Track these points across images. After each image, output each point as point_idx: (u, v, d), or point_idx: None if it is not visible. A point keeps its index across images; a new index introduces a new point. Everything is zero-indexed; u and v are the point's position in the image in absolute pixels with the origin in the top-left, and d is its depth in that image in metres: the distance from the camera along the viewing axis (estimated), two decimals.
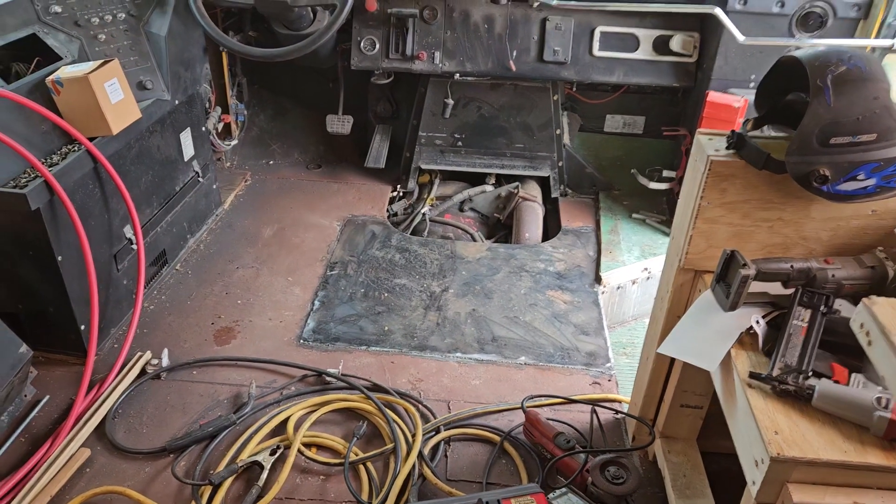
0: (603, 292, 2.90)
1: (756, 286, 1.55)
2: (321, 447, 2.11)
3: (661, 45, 3.20)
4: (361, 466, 2.03)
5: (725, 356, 1.52)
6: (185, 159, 2.96)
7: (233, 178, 3.62)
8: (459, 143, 3.59)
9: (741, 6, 2.95)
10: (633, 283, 3.02)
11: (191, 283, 2.83)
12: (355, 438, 2.10)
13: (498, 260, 3.05)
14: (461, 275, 2.94)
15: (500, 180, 3.67)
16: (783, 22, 2.98)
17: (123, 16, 2.57)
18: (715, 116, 2.86)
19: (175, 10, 2.72)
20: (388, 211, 3.51)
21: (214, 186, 3.27)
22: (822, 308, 1.48)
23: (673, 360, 1.89)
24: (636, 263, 3.04)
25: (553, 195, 3.60)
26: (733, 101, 2.86)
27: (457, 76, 3.35)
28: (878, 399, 1.29)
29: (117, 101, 2.29)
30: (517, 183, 3.60)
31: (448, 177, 3.74)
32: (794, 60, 1.52)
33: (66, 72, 2.23)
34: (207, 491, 1.93)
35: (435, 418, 2.21)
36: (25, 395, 2.20)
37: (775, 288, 1.59)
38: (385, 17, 3.22)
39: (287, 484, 1.97)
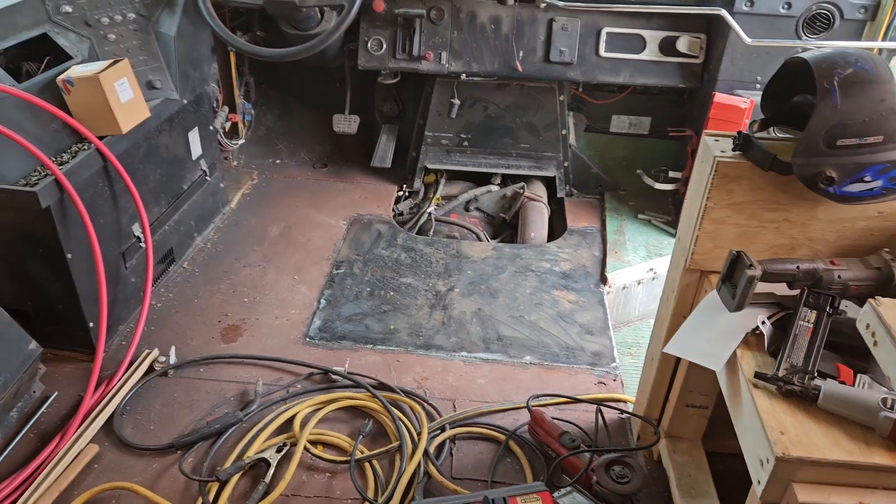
0: (608, 292, 2.91)
1: (762, 287, 1.55)
2: (327, 445, 2.12)
3: (667, 46, 3.21)
4: (367, 464, 2.05)
5: (731, 356, 1.52)
6: (193, 158, 2.98)
7: (240, 176, 3.64)
8: (465, 143, 3.60)
9: (748, 8, 2.95)
10: (639, 283, 3.03)
11: (198, 282, 2.85)
12: (361, 436, 2.11)
13: (503, 259, 3.06)
14: (467, 274, 2.95)
15: (506, 180, 3.68)
16: (790, 23, 2.98)
17: (133, 16, 2.59)
18: (721, 117, 2.87)
19: (184, 10, 2.73)
20: (393, 210, 3.52)
21: (221, 185, 3.29)
22: (827, 309, 1.49)
23: (678, 360, 1.90)
24: (642, 264, 3.04)
25: (559, 195, 3.61)
26: (739, 102, 2.87)
27: (463, 76, 3.35)
28: (884, 400, 1.29)
29: (127, 100, 2.30)
30: (523, 183, 3.61)
31: (454, 176, 3.75)
32: (800, 62, 1.52)
33: (76, 71, 2.25)
34: (214, 487, 1.94)
35: (440, 417, 2.22)
36: (34, 392, 2.21)
37: (781, 289, 1.60)
38: (392, 17, 3.23)
39: (293, 481, 1.98)
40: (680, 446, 1.99)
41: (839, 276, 1.54)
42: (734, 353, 1.52)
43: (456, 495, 1.84)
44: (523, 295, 2.83)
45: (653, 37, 3.20)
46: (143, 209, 2.44)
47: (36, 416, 2.15)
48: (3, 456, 2.01)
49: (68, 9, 2.44)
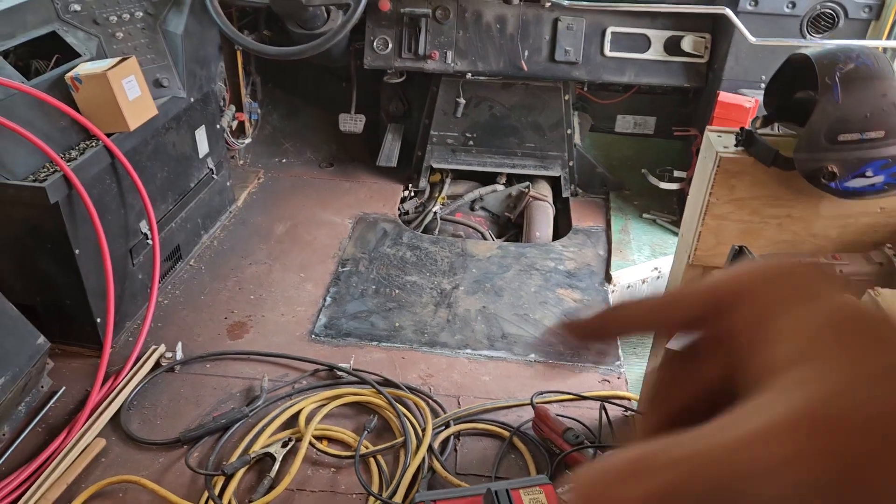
0: (613, 291, 2.92)
1: None
2: (332, 440, 2.14)
3: (672, 46, 3.21)
4: (372, 459, 2.06)
5: None
6: (200, 156, 3.00)
7: (246, 175, 3.66)
8: (471, 143, 3.61)
9: (752, 7, 2.96)
10: (643, 282, 3.03)
11: (204, 279, 2.87)
12: (366, 432, 2.13)
13: (508, 258, 3.07)
14: (471, 272, 2.96)
15: (511, 179, 3.69)
16: (794, 23, 2.99)
17: (141, 14, 2.61)
18: (726, 117, 2.87)
19: (191, 8, 2.75)
20: (399, 209, 3.54)
21: (228, 184, 3.31)
22: None
23: None
24: (646, 263, 3.05)
25: (564, 195, 3.61)
26: (744, 101, 2.87)
27: (469, 76, 3.37)
28: None
29: (134, 97, 2.33)
30: (528, 182, 3.62)
31: (459, 176, 3.76)
32: (803, 58, 1.53)
33: (84, 69, 2.27)
34: (220, 481, 1.96)
35: (445, 413, 2.23)
36: (42, 387, 2.24)
37: None
38: (398, 16, 3.25)
39: (298, 475, 1.99)
40: None
41: (841, 271, 1.55)
42: None
43: (460, 488, 1.85)
44: (528, 293, 2.84)
45: (657, 36, 3.21)
46: (151, 206, 2.47)
47: (44, 411, 2.17)
48: (11, 449, 2.03)
49: (77, 7, 2.46)
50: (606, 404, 2.26)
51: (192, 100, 2.80)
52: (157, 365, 2.38)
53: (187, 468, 2.00)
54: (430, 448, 2.07)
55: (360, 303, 2.75)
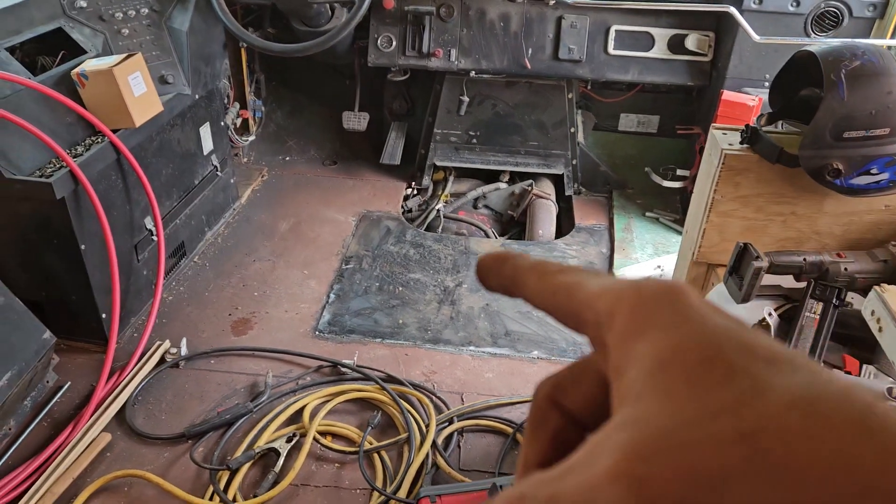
0: None
1: (768, 279, 1.56)
2: (336, 436, 2.14)
3: (676, 44, 3.22)
4: (376, 455, 2.07)
5: None
6: (205, 153, 3.01)
7: (250, 172, 3.67)
8: (474, 141, 3.62)
9: (756, 5, 2.96)
10: None
11: (208, 275, 2.88)
12: (370, 428, 2.13)
13: None
14: (474, 270, 2.96)
15: (514, 178, 3.69)
16: (798, 21, 2.99)
17: (146, 11, 2.62)
18: (730, 115, 2.87)
19: (196, 6, 2.76)
20: (402, 207, 3.54)
21: (232, 181, 3.32)
22: (834, 301, 1.50)
23: None
24: (649, 261, 3.06)
25: (567, 193, 3.62)
26: (748, 100, 2.87)
27: (472, 74, 3.37)
28: (889, 389, 1.30)
29: (140, 94, 2.33)
30: (531, 181, 3.62)
31: (462, 174, 3.76)
32: (808, 56, 1.54)
33: (90, 65, 2.28)
34: (225, 476, 1.97)
35: (448, 409, 2.24)
36: (48, 381, 2.24)
37: (788, 281, 1.61)
38: (402, 14, 3.26)
39: (303, 471, 2.00)
40: None
41: (846, 269, 1.55)
42: None
43: (464, 483, 1.85)
44: None
45: (661, 34, 3.21)
46: (156, 202, 2.47)
47: (49, 405, 2.18)
48: (17, 444, 2.04)
49: (83, 4, 2.47)
50: None
51: (197, 97, 2.81)
52: (162, 360, 2.39)
53: (192, 463, 2.01)
54: (433, 444, 2.08)
55: (364, 300, 2.76)
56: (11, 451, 2.02)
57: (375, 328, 2.60)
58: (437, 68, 3.35)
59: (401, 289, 2.83)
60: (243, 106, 3.63)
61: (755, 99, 2.86)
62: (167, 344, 2.42)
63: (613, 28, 3.21)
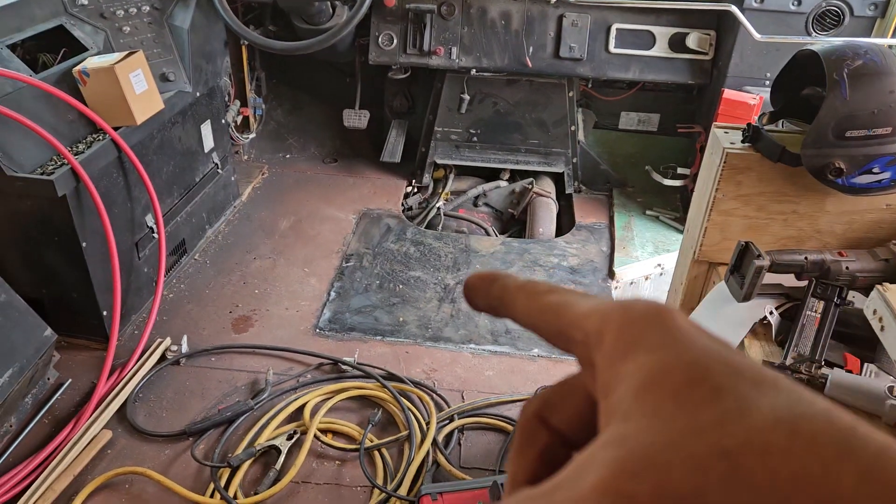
0: (616, 287, 2.92)
1: (770, 278, 1.56)
2: (337, 433, 2.15)
3: (677, 43, 3.21)
4: (376, 452, 2.07)
5: (739, 346, 1.54)
6: (205, 151, 3.00)
7: (250, 170, 3.67)
8: (475, 139, 3.61)
9: (758, 4, 2.96)
10: (646, 278, 3.04)
11: (209, 273, 2.88)
12: (370, 425, 2.14)
13: (512, 254, 3.08)
14: (475, 268, 2.97)
15: (515, 176, 3.70)
16: (799, 20, 2.99)
17: (147, 8, 2.62)
18: (730, 114, 2.87)
19: (198, 3, 2.76)
20: (403, 205, 3.54)
21: (233, 178, 3.32)
22: (835, 299, 1.50)
23: None
24: (649, 259, 3.06)
25: (567, 191, 3.62)
26: (749, 98, 2.87)
27: (473, 72, 3.37)
28: (891, 388, 1.31)
29: (141, 91, 2.33)
30: (531, 179, 3.62)
31: (463, 172, 3.76)
32: (810, 55, 1.54)
33: (92, 62, 2.27)
34: (226, 473, 1.97)
35: (449, 407, 2.24)
36: (49, 379, 2.25)
37: (789, 280, 1.61)
38: (403, 12, 3.25)
39: (304, 468, 2.00)
40: None
41: (847, 268, 1.55)
42: (742, 342, 1.54)
43: (466, 480, 1.86)
44: None
45: (662, 33, 3.21)
46: (157, 200, 2.47)
47: (50, 403, 2.18)
48: (18, 441, 2.04)
49: (84, 1, 2.47)
50: None
51: (198, 94, 2.81)
52: (163, 358, 2.39)
53: (193, 460, 2.01)
54: (434, 442, 2.08)
55: (364, 297, 2.76)
56: (12, 448, 2.02)
57: (376, 326, 2.60)
58: (437, 66, 3.35)
59: (401, 287, 2.84)
60: (244, 103, 3.63)
61: (756, 98, 2.86)
62: (168, 341, 2.43)
63: (614, 26, 3.21)
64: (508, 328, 2.61)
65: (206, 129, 2.98)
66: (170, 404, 2.23)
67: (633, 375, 0.24)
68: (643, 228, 3.29)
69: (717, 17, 3.16)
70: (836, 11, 2.94)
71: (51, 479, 1.90)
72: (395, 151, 3.66)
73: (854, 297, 1.53)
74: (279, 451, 2.03)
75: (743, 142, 1.62)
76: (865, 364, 1.41)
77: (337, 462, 2.06)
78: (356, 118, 3.74)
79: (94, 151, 2.20)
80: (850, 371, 1.40)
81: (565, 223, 3.51)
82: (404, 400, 2.22)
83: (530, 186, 3.57)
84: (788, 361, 1.42)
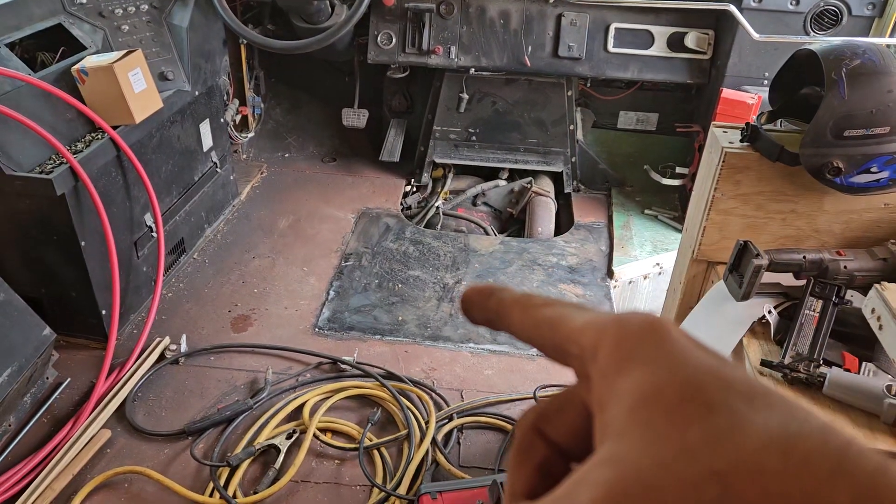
0: (615, 286, 2.93)
1: (768, 276, 1.57)
2: (336, 432, 2.15)
3: (675, 42, 3.22)
4: (376, 452, 2.07)
5: (737, 345, 1.54)
6: (204, 150, 3.00)
7: (249, 169, 3.67)
8: (473, 138, 3.62)
9: (756, 3, 2.96)
10: (645, 277, 3.04)
11: (208, 272, 2.88)
12: (370, 424, 2.14)
13: (510, 253, 3.08)
14: (474, 267, 2.97)
15: (514, 175, 3.70)
16: (798, 20, 2.99)
17: (146, 7, 2.62)
18: (729, 113, 2.87)
19: (196, 2, 2.76)
20: (402, 204, 3.54)
21: (231, 177, 3.31)
22: (833, 298, 1.50)
23: None
24: (648, 258, 3.06)
25: (566, 191, 3.62)
26: (747, 97, 2.88)
27: (472, 71, 3.37)
28: (889, 387, 1.31)
29: (140, 90, 2.33)
30: (530, 178, 3.62)
31: (462, 171, 3.77)
32: (808, 54, 1.54)
33: (90, 61, 2.27)
34: (225, 472, 1.97)
35: (448, 406, 2.24)
36: (48, 378, 2.25)
37: (787, 279, 1.61)
38: (402, 11, 3.25)
39: (303, 467, 2.00)
40: None
41: (845, 267, 1.55)
42: (740, 341, 1.54)
43: (466, 479, 1.86)
44: (530, 289, 2.85)
45: (661, 32, 3.22)
46: (156, 199, 2.47)
47: (49, 402, 2.18)
48: (17, 440, 2.04)
49: (82, 0, 2.47)
50: None
51: (197, 93, 2.80)
52: (162, 357, 2.39)
53: (192, 459, 2.01)
54: (433, 441, 2.08)
55: (364, 297, 2.76)
56: (11, 447, 2.02)
57: (375, 325, 2.60)
58: (436, 65, 3.35)
59: (400, 286, 2.84)
60: (243, 102, 3.63)
61: (754, 97, 2.87)
62: (167, 340, 2.43)
63: (613, 26, 3.22)
64: None
65: (205, 128, 2.98)
66: (169, 403, 2.23)
67: (627, 392, 0.24)
68: (642, 228, 3.30)
69: (715, 16, 3.17)
70: (834, 11, 2.95)
71: (50, 478, 1.90)
72: (393, 150, 3.66)
73: (852, 296, 1.54)
74: (278, 451, 2.03)
75: (741, 141, 1.63)
76: (864, 363, 1.41)
77: (336, 461, 2.06)
78: (355, 117, 3.74)
79: (92, 150, 2.20)
80: (848, 370, 1.40)
81: (564, 222, 3.51)
82: (403, 399, 2.22)
83: (529, 186, 3.57)
84: (787, 360, 1.42)
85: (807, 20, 2.99)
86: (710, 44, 3.20)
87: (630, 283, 3.02)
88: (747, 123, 1.62)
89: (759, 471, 0.21)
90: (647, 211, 3.42)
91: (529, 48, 3.27)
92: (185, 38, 2.69)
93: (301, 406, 2.19)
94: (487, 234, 3.44)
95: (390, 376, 2.34)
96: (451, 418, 2.19)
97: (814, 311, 1.50)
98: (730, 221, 1.68)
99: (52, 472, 1.92)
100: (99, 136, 2.27)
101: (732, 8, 2.91)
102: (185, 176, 2.87)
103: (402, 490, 1.93)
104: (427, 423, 2.14)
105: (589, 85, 3.61)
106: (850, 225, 1.65)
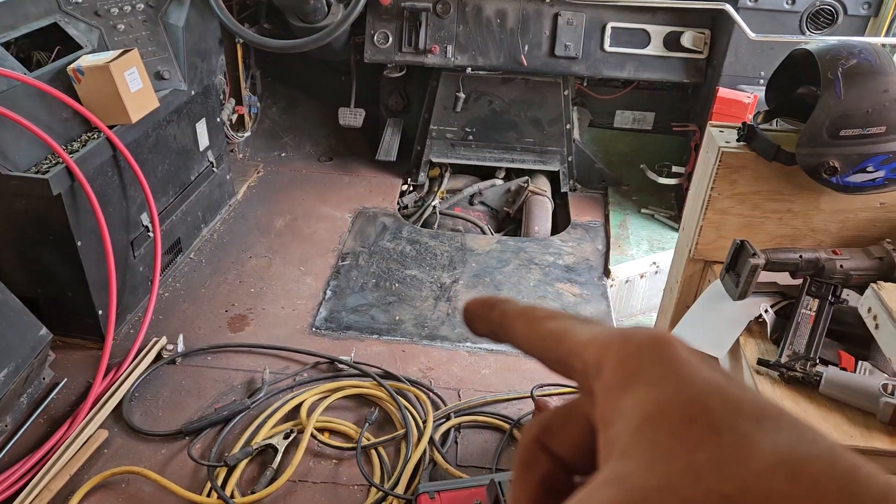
0: (611, 285, 2.93)
1: (765, 276, 1.57)
2: (334, 432, 2.15)
3: (671, 42, 3.22)
4: (373, 451, 2.07)
5: (734, 344, 1.55)
6: (201, 149, 3.00)
7: (245, 169, 3.66)
8: (470, 137, 3.62)
9: (752, 3, 2.97)
10: (642, 276, 3.05)
11: (205, 272, 2.87)
12: (367, 424, 2.14)
13: (507, 253, 3.08)
14: (471, 267, 2.97)
15: (510, 174, 3.70)
16: (794, 19, 3.00)
17: (142, 6, 2.61)
18: (725, 112, 2.88)
19: (192, 1, 2.75)
20: (398, 203, 3.54)
21: (228, 177, 3.31)
22: (829, 298, 1.51)
23: None
24: (644, 257, 3.07)
25: (562, 190, 3.63)
26: (743, 97, 2.88)
27: (468, 70, 3.37)
28: (885, 385, 1.32)
29: (136, 90, 2.32)
30: (527, 177, 3.63)
31: (458, 170, 3.77)
32: (805, 54, 1.54)
33: (86, 60, 2.27)
34: (223, 472, 1.97)
35: (445, 406, 2.24)
36: (44, 378, 2.24)
37: (784, 278, 1.62)
38: (398, 10, 3.25)
39: (300, 467, 2.00)
40: None
41: (841, 266, 1.56)
42: (737, 340, 1.55)
43: (464, 478, 1.86)
44: (527, 287, 2.86)
45: (657, 32, 3.22)
46: (152, 199, 2.47)
47: (46, 402, 2.17)
48: (13, 440, 2.04)
49: None
50: None
51: (193, 92, 2.80)
52: (159, 357, 2.38)
53: (190, 459, 2.01)
54: (431, 440, 2.08)
55: (361, 296, 2.76)
56: (8, 447, 2.01)
57: (372, 325, 2.60)
58: (433, 65, 3.35)
59: (397, 285, 2.84)
60: (239, 102, 3.62)
61: (750, 96, 2.87)
62: (164, 340, 2.42)
63: (610, 25, 3.22)
64: None
65: (202, 128, 2.98)
66: (166, 403, 2.22)
67: (631, 411, 0.24)
68: (638, 226, 3.30)
69: (711, 15, 3.17)
70: (830, 10, 2.95)
71: (47, 478, 1.90)
72: (390, 150, 3.66)
73: (848, 295, 1.54)
74: (276, 450, 2.03)
75: (738, 141, 1.63)
76: (860, 362, 1.42)
77: (334, 461, 2.06)
78: (351, 116, 3.74)
79: (88, 150, 2.19)
80: (844, 369, 1.41)
81: (561, 221, 3.52)
82: (401, 398, 2.22)
83: (526, 185, 3.57)
84: (783, 359, 1.43)
85: (803, 19, 2.99)
86: (706, 43, 3.21)
87: (627, 282, 3.03)
88: (744, 123, 1.63)
89: (766, 494, 0.20)
90: (643, 210, 3.43)
91: (526, 47, 3.27)
92: (182, 37, 2.68)
93: (298, 406, 2.19)
94: (484, 233, 3.44)
95: (388, 376, 2.34)
96: (448, 418, 2.19)
97: (810, 310, 1.50)
98: (726, 221, 1.69)
99: (48, 473, 1.91)
100: (95, 136, 2.27)
101: (729, 7, 2.92)
102: (181, 175, 2.86)
103: (400, 490, 1.93)
104: (424, 422, 2.14)
105: (585, 84, 3.61)
106: (846, 224, 1.66)
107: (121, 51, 2.32)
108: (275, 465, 1.99)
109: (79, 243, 2.20)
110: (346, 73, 3.79)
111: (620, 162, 3.72)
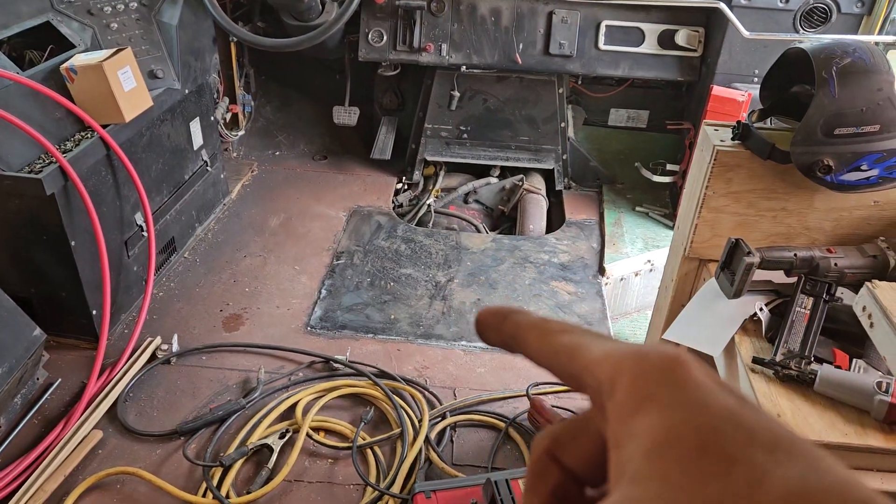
0: (606, 283, 2.93)
1: (760, 274, 1.58)
2: (329, 431, 2.14)
3: (666, 40, 3.23)
4: (369, 450, 2.07)
5: (729, 342, 1.55)
6: (195, 148, 2.99)
7: (240, 168, 3.65)
8: (465, 136, 3.62)
9: (746, 1, 2.97)
10: (636, 274, 3.05)
11: (199, 271, 2.86)
12: (363, 423, 2.13)
13: (502, 251, 3.08)
14: (466, 265, 2.97)
15: (505, 173, 3.70)
16: (787, 17, 3.01)
17: (135, 5, 2.60)
18: (719, 110, 2.89)
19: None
20: (393, 202, 3.54)
21: (222, 176, 3.30)
22: (824, 296, 1.51)
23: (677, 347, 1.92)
24: (639, 255, 3.07)
25: (557, 188, 3.63)
26: (737, 95, 2.89)
27: (463, 68, 3.37)
28: (879, 383, 1.32)
29: (130, 89, 2.31)
30: (521, 175, 3.63)
31: (453, 169, 3.77)
32: (799, 52, 1.55)
33: (79, 59, 2.26)
34: (218, 472, 1.96)
35: (441, 405, 2.24)
36: (38, 379, 2.23)
37: (778, 276, 1.62)
38: (393, 8, 3.25)
39: (296, 467, 2.00)
40: None
41: (836, 264, 1.57)
42: (732, 338, 1.55)
43: (460, 477, 1.86)
44: (522, 286, 2.86)
45: (652, 30, 3.22)
46: (146, 198, 2.46)
47: (40, 403, 2.16)
48: (7, 441, 2.03)
49: None
50: None
51: (187, 91, 2.79)
52: (153, 357, 2.38)
53: (185, 459, 2.00)
54: (426, 439, 2.08)
55: (356, 295, 2.76)
56: (2, 449, 2.00)
57: (367, 323, 2.60)
58: (427, 63, 3.34)
59: (392, 284, 2.84)
60: (233, 100, 3.61)
61: (744, 94, 2.88)
62: (158, 340, 2.41)
63: (604, 23, 3.22)
64: None
65: (195, 127, 2.97)
66: (161, 404, 2.22)
67: (644, 433, 0.24)
68: (633, 225, 3.31)
69: (706, 14, 3.18)
70: (824, 9, 2.96)
71: (41, 479, 1.89)
72: (385, 148, 3.66)
73: (843, 293, 1.55)
74: (271, 450, 2.02)
75: (733, 139, 1.64)
76: (854, 360, 1.42)
77: (329, 460, 2.05)
78: (346, 115, 3.73)
79: (82, 149, 2.18)
80: (839, 367, 1.41)
81: (555, 220, 3.52)
82: (396, 398, 2.22)
83: (520, 183, 3.57)
84: (778, 357, 1.43)
85: (796, 18, 3.00)
86: (700, 41, 3.21)
87: (621, 280, 3.03)
88: (738, 121, 1.63)
89: None
90: (638, 208, 3.43)
91: (520, 45, 3.27)
92: (175, 35, 2.67)
93: (294, 405, 2.19)
94: (479, 231, 3.44)
95: (383, 375, 2.34)
96: (444, 416, 2.19)
97: (805, 308, 1.51)
98: (721, 219, 1.69)
99: (43, 474, 1.90)
100: (88, 135, 2.26)
101: (723, 5, 2.92)
102: (175, 175, 2.85)
103: (396, 489, 1.93)
104: (420, 421, 2.14)
105: (580, 82, 3.62)
106: (841, 222, 1.66)
107: (114, 50, 2.31)
108: (270, 464, 1.98)
109: (72, 243, 2.19)
110: (340, 72, 3.78)
111: (615, 160, 3.72)
